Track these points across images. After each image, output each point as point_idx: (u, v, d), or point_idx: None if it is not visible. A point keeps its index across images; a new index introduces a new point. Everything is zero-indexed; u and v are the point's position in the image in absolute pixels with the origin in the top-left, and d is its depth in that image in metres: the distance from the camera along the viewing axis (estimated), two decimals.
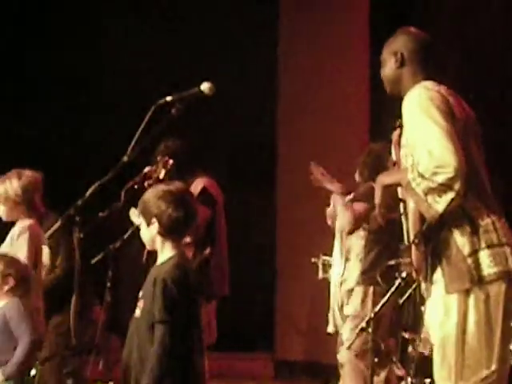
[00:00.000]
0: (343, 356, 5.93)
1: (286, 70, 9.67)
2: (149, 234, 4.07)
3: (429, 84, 3.90)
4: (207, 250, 6.63)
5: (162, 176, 6.33)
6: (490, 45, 8.85)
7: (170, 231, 4.04)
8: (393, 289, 5.41)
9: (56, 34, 9.68)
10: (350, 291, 6.15)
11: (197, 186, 6.55)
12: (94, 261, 7.25)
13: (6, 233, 5.76)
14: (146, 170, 6.33)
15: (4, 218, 5.76)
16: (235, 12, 9.42)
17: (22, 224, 5.62)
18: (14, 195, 5.64)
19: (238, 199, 7.56)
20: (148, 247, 4.17)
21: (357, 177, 6.42)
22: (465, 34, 9.11)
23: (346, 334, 5.95)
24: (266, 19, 9.48)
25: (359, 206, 6.10)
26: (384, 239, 6.09)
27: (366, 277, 6.15)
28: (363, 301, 6.05)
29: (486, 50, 8.71)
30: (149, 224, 4.05)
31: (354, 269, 6.17)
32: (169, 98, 4.57)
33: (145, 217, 4.07)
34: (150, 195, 4.10)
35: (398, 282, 5.48)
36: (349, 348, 5.54)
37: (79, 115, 9.36)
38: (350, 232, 6.12)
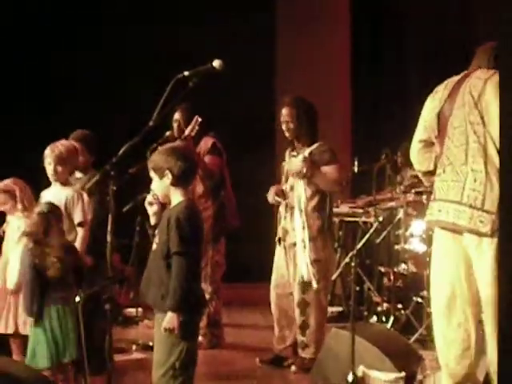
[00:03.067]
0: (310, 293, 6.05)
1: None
2: (162, 185, 4.27)
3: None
4: (222, 193, 6.90)
5: (193, 133, 6.56)
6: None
7: (180, 180, 4.24)
8: (371, 230, 5.57)
9: None
10: None
11: (207, 142, 6.88)
12: (125, 209, 7.46)
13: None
14: (167, 133, 6.62)
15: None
16: (236, 18, 9.41)
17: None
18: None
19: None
20: (161, 199, 4.34)
21: None
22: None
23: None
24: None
25: None
26: None
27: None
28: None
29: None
30: (161, 177, 4.21)
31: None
32: (186, 73, 4.70)
33: (157, 172, 4.26)
34: (160, 153, 4.33)
35: (376, 224, 5.64)
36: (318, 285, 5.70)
37: None
38: None
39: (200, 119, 6.60)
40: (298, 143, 6.22)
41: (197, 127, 6.58)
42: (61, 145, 5.67)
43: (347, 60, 9.58)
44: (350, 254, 5.32)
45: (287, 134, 6.22)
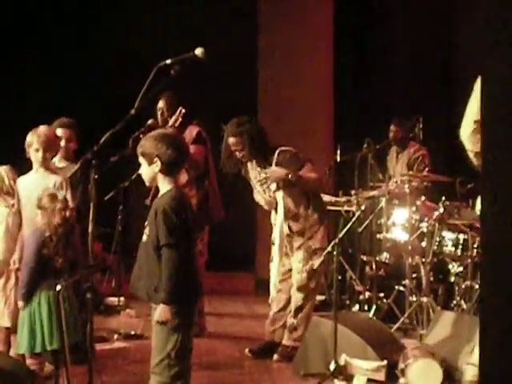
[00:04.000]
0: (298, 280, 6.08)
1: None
2: (150, 171, 4.19)
3: None
4: (206, 183, 6.87)
5: (177, 124, 6.52)
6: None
7: (168, 168, 4.17)
8: (354, 218, 5.57)
9: None
10: None
11: (192, 131, 6.84)
12: (107, 197, 7.43)
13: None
14: (149, 122, 6.58)
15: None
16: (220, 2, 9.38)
17: None
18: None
19: None
20: (147, 184, 4.29)
21: None
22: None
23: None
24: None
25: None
26: None
27: None
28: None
29: None
30: (150, 163, 4.16)
31: None
32: (168, 61, 4.67)
33: (146, 157, 4.19)
34: (150, 139, 4.23)
35: (358, 213, 5.64)
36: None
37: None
38: None
39: (184, 110, 6.57)
40: (256, 161, 6.22)
41: (180, 118, 6.55)
42: (45, 130, 5.57)
43: (330, 44, 9.51)
44: (332, 243, 5.28)
45: (243, 160, 6.21)
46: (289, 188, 6.02)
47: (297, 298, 6.10)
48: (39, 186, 5.34)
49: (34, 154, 5.50)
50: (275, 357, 6.09)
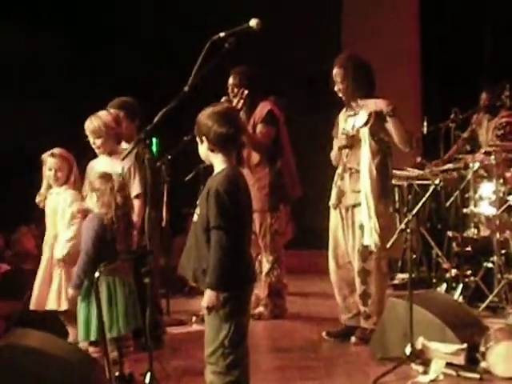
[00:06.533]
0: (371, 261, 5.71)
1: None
2: (203, 150, 3.97)
3: None
4: (278, 163, 6.65)
5: (239, 105, 6.32)
6: None
7: (217, 146, 3.91)
8: (428, 194, 5.22)
9: None
10: None
11: (263, 109, 6.63)
12: (187, 178, 7.29)
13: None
14: (224, 99, 6.37)
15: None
16: None
17: None
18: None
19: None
20: (206, 162, 4.03)
21: None
22: None
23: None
24: None
25: None
26: None
27: None
28: None
29: None
30: (201, 142, 3.94)
31: None
32: (222, 34, 4.46)
33: (198, 136, 3.96)
34: (201, 116, 3.99)
35: (432, 187, 5.29)
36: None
37: None
38: None
39: (246, 92, 6.34)
40: (353, 102, 5.87)
41: (242, 100, 6.32)
42: (95, 118, 5.45)
43: (417, 14, 9.13)
44: (405, 220, 4.97)
45: (340, 95, 5.87)
46: (377, 127, 5.67)
47: (357, 283, 5.81)
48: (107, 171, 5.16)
49: (91, 142, 5.41)
50: (353, 339, 5.80)
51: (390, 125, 5.63)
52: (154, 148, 7.17)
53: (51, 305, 5.34)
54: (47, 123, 8.62)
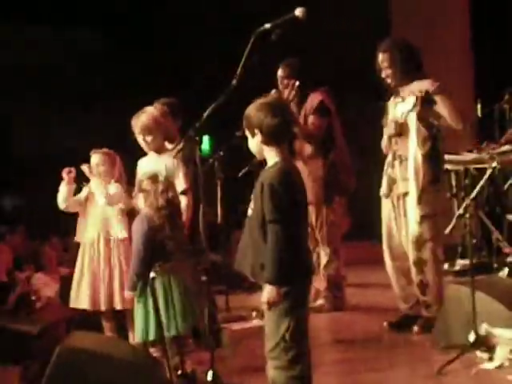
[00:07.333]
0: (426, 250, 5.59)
1: None
2: (254, 144, 3.90)
3: None
4: (332, 154, 6.57)
5: (291, 97, 6.26)
6: None
7: (271, 138, 3.85)
8: (485, 177, 5.09)
9: None
10: None
11: (313, 100, 6.55)
12: (240, 174, 7.24)
13: None
14: (273, 91, 6.30)
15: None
16: None
17: None
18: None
19: None
20: (257, 157, 3.96)
21: None
22: None
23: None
24: None
25: None
26: None
27: None
28: None
29: None
30: (253, 135, 3.88)
31: None
32: (267, 26, 4.41)
33: (249, 130, 3.91)
34: (250, 109, 3.92)
35: (489, 171, 5.16)
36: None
37: None
38: None
39: (298, 83, 6.27)
40: (400, 88, 5.74)
41: (293, 91, 6.26)
42: (144, 114, 5.43)
43: None
44: (464, 205, 4.86)
45: (388, 81, 5.75)
46: (425, 111, 5.48)
47: (413, 273, 5.70)
48: (154, 169, 5.19)
49: (138, 138, 5.41)
50: (415, 329, 5.70)
51: (439, 104, 5.48)
52: (207, 145, 7.14)
53: (109, 305, 5.37)
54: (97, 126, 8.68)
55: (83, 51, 9.35)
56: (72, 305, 5.55)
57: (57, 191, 5.66)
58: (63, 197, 5.64)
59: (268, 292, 3.76)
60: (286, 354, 3.83)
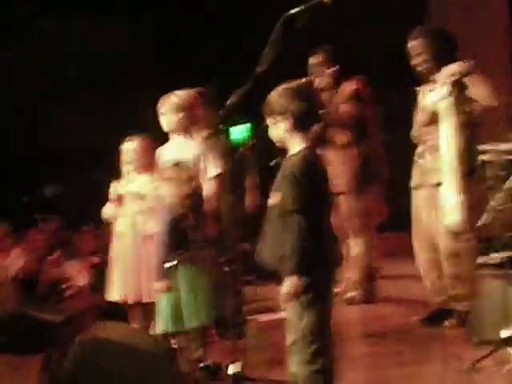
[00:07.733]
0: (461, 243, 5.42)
1: None
2: (277, 131, 3.78)
3: None
4: (365, 143, 6.46)
5: (323, 85, 6.18)
6: None
7: (298, 124, 3.72)
8: None
9: None
10: None
11: (345, 89, 6.43)
12: (272, 163, 7.13)
13: None
14: (304, 80, 6.18)
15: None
16: None
17: None
18: None
19: None
20: (278, 145, 3.83)
21: None
22: None
23: None
24: None
25: None
26: None
27: None
28: None
29: None
30: (275, 122, 3.75)
31: None
32: (293, 11, 4.27)
33: (271, 116, 3.77)
34: (273, 95, 3.80)
35: None
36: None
37: None
38: None
39: (333, 69, 6.16)
40: (432, 76, 5.55)
41: (327, 80, 6.14)
42: (173, 95, 5.30)
43: None
44: (499, 197, 4.70)
45: (420, 68, 5.56)
46: (457, 97, 5.21)
47: (445, 266, 5.53)
48: (182, 154, 5.10)
49: (162, 120, 5.27)
50: (447, 323, 5.55)
51: (472, 84, 5.24)
52: (246, 133, 7.03)
53: (137, 298, 5.31)
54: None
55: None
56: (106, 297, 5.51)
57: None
58: (109, 215, 5.62)
59: (289, 283, 3.65)
60: (308, 348, 3.72)
